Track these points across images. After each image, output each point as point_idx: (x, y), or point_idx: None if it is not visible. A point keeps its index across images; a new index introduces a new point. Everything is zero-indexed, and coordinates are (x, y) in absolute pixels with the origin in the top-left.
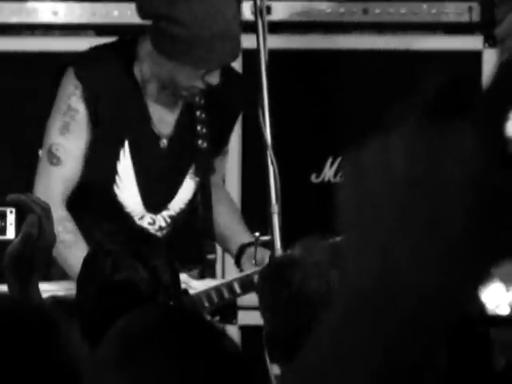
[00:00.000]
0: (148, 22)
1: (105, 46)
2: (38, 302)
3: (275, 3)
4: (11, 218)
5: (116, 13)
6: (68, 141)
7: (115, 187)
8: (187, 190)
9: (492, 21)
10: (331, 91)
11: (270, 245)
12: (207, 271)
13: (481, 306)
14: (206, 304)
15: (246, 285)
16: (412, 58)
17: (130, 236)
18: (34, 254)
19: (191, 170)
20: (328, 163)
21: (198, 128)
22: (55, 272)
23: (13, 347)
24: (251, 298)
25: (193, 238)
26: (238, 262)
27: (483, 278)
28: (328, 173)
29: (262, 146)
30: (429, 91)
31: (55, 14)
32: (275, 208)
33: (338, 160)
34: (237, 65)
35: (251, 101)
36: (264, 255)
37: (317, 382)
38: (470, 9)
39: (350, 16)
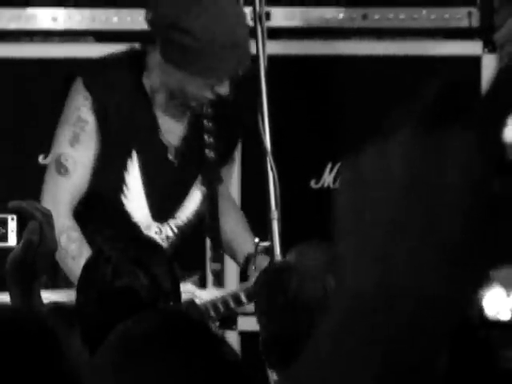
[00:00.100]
0: (154, 31)
1: (114, 55)
2: (39, 310)
3: (274, 9)
4: (12, 224)
5: (115, 19)
6: (77, 151)
7: (123, 197)
8: (194, 200)
9: (491, 26)
10: (330, 97)
11: (269, 251)
12: (214, 280)
13: (479, 311)
14: (212, 314)
15: (252, 295)
16: (411, 63)
17: (132, 242)
18: (36, 261)
19: (198, 181)
20: (327, 169)
21: (206, 138)
22: (61, 280)
23: (13, 357)
24: (251, 305)
25: (199, 247)
26: (244, 271)
27: (482, 282)
28: (327, 178)
29: (261, 152)
30: (427, 96)
31: (55, 20)
32: (275, 214)
33: (338, 166)
34: None
35: (250, 106)
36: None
37: None
38: (470, 14)
39: (349, 22)
